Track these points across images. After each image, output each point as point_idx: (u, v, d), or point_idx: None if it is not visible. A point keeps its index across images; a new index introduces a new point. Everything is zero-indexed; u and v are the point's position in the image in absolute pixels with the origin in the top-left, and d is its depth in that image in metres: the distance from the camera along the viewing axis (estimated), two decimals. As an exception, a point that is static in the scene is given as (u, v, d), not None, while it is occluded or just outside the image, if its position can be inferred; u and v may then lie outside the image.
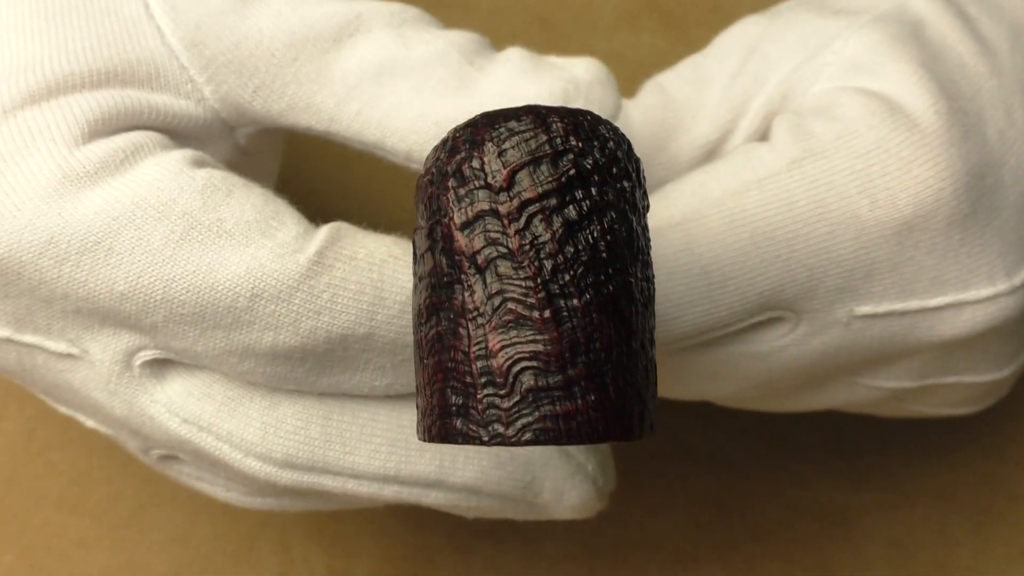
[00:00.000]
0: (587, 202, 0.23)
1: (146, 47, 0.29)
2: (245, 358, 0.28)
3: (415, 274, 0.24)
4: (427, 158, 0.24)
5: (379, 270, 0.28)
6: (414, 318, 0.24)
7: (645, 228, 0.24)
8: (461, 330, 0.23)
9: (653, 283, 0.24)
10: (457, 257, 0.23)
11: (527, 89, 0.29)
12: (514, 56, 0.29)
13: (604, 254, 0.23)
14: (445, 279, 0.23)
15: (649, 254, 0.24)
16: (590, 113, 0.23)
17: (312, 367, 0.28)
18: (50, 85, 0.27)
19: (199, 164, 0.28)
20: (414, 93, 0.29)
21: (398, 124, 0.29)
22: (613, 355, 0.23)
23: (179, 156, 0.28)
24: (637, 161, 0.24)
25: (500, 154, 0.23)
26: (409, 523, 0.38)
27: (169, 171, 0.27)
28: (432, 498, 0.30)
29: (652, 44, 0.43)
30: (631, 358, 0.23)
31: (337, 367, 0.28)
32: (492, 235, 0.23)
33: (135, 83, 0.28)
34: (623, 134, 0.24)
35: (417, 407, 0.24)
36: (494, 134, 0.23)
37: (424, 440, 0.24)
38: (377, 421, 0.29)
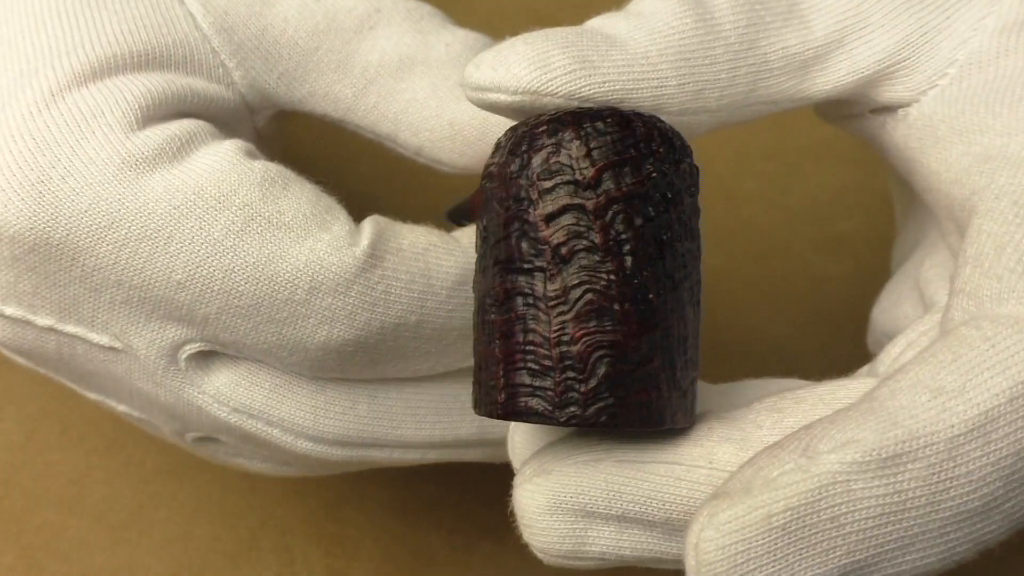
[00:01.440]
0: (663, 205, 0.24)
1: (180, 30, 0.29)
2: (295, 351, 0.28)
3: (485, 258, 0.25)
4: (500, 146, 0.25)
5: (424, 259, 0.28)
6: (484, 300, 0.25)
7: (699, 232, 0.26)
8: (542, 316, 0.24)
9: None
10: (541, 246, 0.24)
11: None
12: (482, 38, 0.30)
13: (677, 255, 0.25)
14: (525, 266, 0.24)
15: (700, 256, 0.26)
16: (662, 120, 0.25)
17: (362, 359, 0.28)
18: (95, 66, 0.27)
19: (253, 155, 0.28)
20: (431, 91, 0.30)
21: (413, 120, 0.30)
22: (681, 349, 0.25)
23: (234, 147, 0.28)
24: (698, 169, 0.26)
25: (588, 153, 0.24)
26: (409, 523, 0.38)
27: (228, 161, 0.27)
28: (472, 454, 0.31)
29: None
30: (694, 352, 0.25)
31: (386, 356, 0.28)
32: (577, 228, 0.24)
33: (173, 66, 0.29)
34: (688, 145, 0.26)
35: (479, 383, 0.25)
36: (582, 132, 0.24)
37: (486, 416, 0.24)
38: (421, 394, 0.29)
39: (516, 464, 0.27)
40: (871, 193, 0.45)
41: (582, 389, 0.24)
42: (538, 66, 0.25)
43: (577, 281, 0.24)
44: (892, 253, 0.34)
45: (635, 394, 0.24)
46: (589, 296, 0.24)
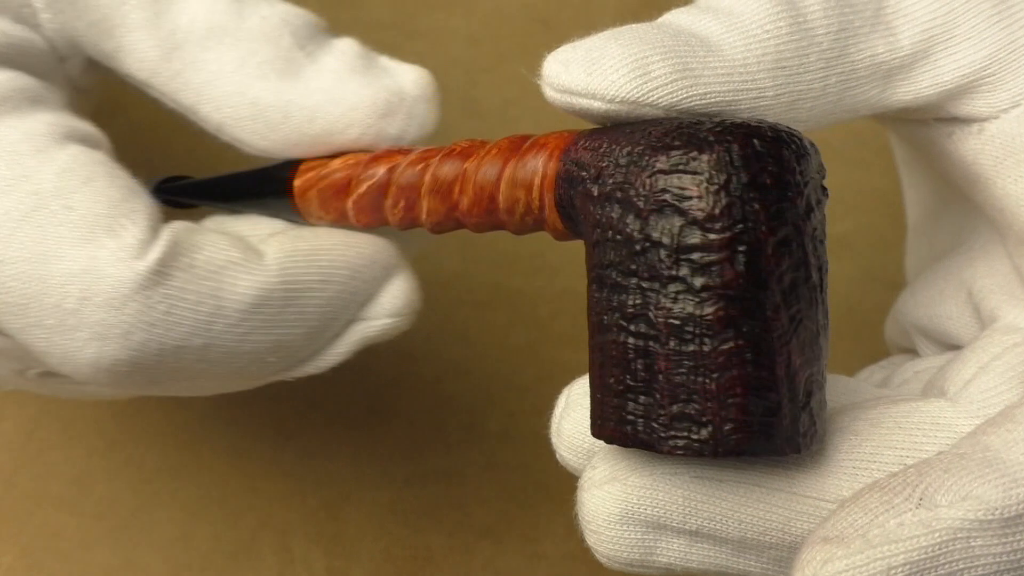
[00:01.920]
0: (815, 224, 0.23)
1: None
2: (66, 363, 0.26)
3: (689, 282, 0.23)
4: (701, 159, 0.23)
5: (217, 278, 0.26)
6: (690, 330, 0.23)
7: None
8: (770, 346, 0.23)
9: None
10: (764, 274, 0.22)
11: (352, 90, 0.28)
12: (348, 50, 0.28)
13: (820, 276, 0.24)
14: (747, 292, 0.22)
15: None
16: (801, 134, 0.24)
17: (139, 379, 0.27)
18: None
19: (69, 137, 0.27)
20: (237, 66, 0.28)
21: (215, 94, 0.28)
22: (817, 371, 0.24)
23: (48, 127, 0.26)
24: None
25: (802, 174, 0.23)
26: (409, 523, 0.38)
27: (33, 144, 0.26)
28: None
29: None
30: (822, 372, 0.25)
31: (167, 377, 0.27)
32: (797, 255, 0.23)
33: None
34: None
35: (684, 417, 0.23)
36: (798, 152, 0.23)
37: (705, 455, 0.23)
38: None
39: (563, 452, 0.26)
40: (871, 193, 0.45)
41: (804, 419, 0.23)
42: (638, 74, 0.24)
43: (795, 310, 0.23)
44: (907, 249, 0.33)
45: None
46: (805, 324, 0.23)
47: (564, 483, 0.39)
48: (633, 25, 0.25)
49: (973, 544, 0.22)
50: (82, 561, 0.38)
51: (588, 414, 0.25)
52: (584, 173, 0.24)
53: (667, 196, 0.22)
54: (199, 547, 0.38)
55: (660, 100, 0.24)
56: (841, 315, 0.42)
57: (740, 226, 0.22)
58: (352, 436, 0.39)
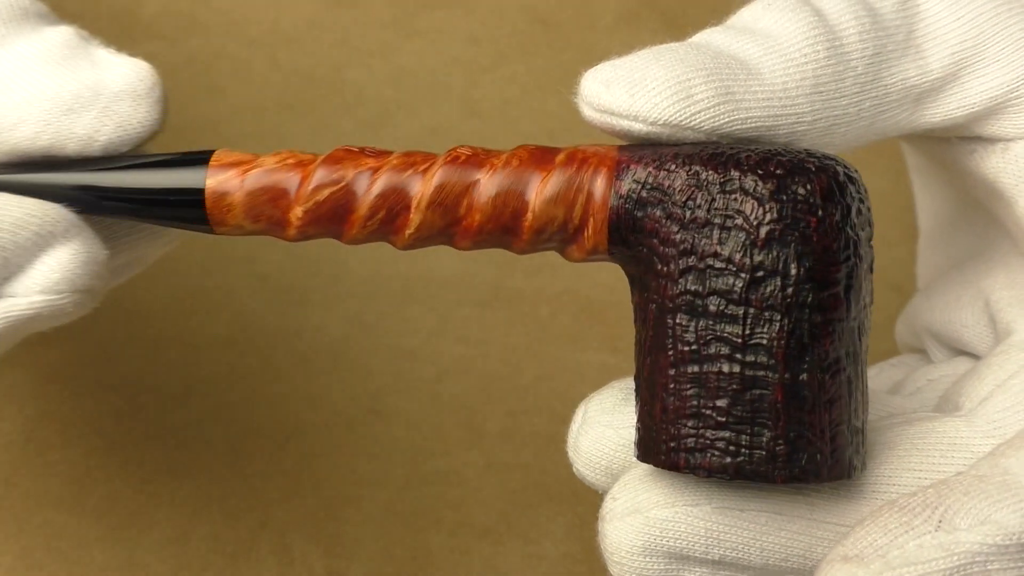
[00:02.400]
0: (866, 249, 0.25)
1: None
2: None
3: (808, 310, 0.23)
4: (813, 190, 0.23)
5: None
6: (813, 361, 0.23)
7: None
8: (862, 377, 0.24)
9: None
10: (861, 304, 0.23)
11: (30, 81, 0.25)
12: (53, 39, 0.26)
13: (864, 305, 0.25)
14: (853, 323, 0.23)
15: None
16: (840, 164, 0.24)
17: None
18: None
19: None
20: None
21: None
22: (860, 397, 0.25)
23: None
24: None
25: (864, 201, 0.24)
26: (409, 523, 0.38)
27: None
28: None
29: (652, 44, 0.43)
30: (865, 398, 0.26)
31: None
32: (867, 290, 0.24)
33: None
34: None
35: (800, 445, 0.23)
36: (860, 184, 0.24)
37: (821, 480, 0.23)
38: None
39: (581, 468, 0.26)
40: (871, 193, 0.45)
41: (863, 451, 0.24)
42: (681, 97, 0.24)
43: (864, 344, 0.24)
44: (919, 255, 0.33)
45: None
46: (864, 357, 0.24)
47: (564, 483, 0.39)
48: (672, 45, 0.25)
49: (990, 568, 0.22)
50: (82, 561, 0.38)
51: (605, 431, 0.25)
52: (662, 196, 0.23)
53: (780, 227, 0.23)
54: (198, 547, 0.38)
55: (703, 124, 0.24)
56: (841, 315, 0.42)
57: (851, 257, 0.23)
58: (352, 436, 0.39)
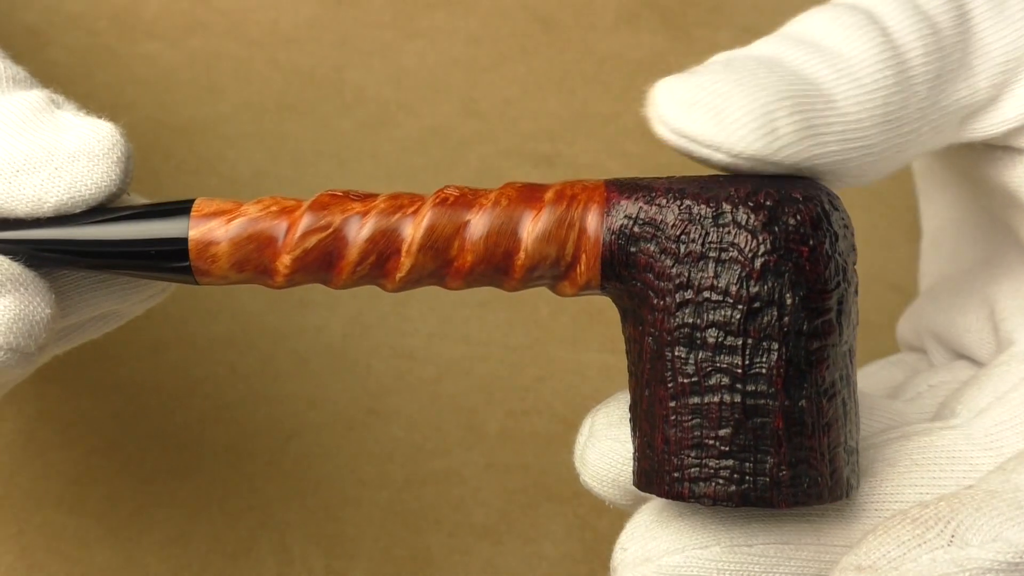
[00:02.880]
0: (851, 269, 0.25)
1: None
2: None
3: (815, 341, 0.23)
4: (802, 220, 0.23)
5: None
6: (810, 387, 0.23)
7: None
8: (854, 398, 0.24)
9: None
10: (851, 328, 0.24)
11: (4, 141, 0.25)
12: (25, 102, 0.26)
13: (852, 326, 0.25)
14: (844, 347, 0.24)
15: None
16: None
17: None
18: None
19: None
20: None
21: None
22: (853, 419, 0.25)
23: None
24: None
25: (848, 227, 0.25)
26: (409, 523, 0.38)
27: None
28: None
29: (652, 44, 0.43)
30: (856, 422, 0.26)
31: None
32: (855, 313, 0.24)
33: None
34: None
35: (801, 473, 0.24)
36: (843, 210, 0.25)
37: (824, 502, 0.24)
38: None
39: (588, 480, 0.26)
40: (871, 193, 0.45)
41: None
42: (767, 131, 0.23)
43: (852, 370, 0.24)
44: (921, 257, 0.33)
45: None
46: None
47: (564, 483, 0.39)
48: (745, 59, 0.24)
49: None
50: (82, 561, 0.38)
51: (613, 445, 0.26)
52: (654, 231, 0.24)
53: (774, 258, 0.23)
54: (198, 547, 0.38)
55: (785, 159, 0.24)
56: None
57: (841, 283, 0.23)
58: (352, 436, 0.39)
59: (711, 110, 0.23)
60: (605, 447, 0.26)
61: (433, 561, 0.37)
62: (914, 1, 0.25)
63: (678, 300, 0.23)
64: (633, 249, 0.24)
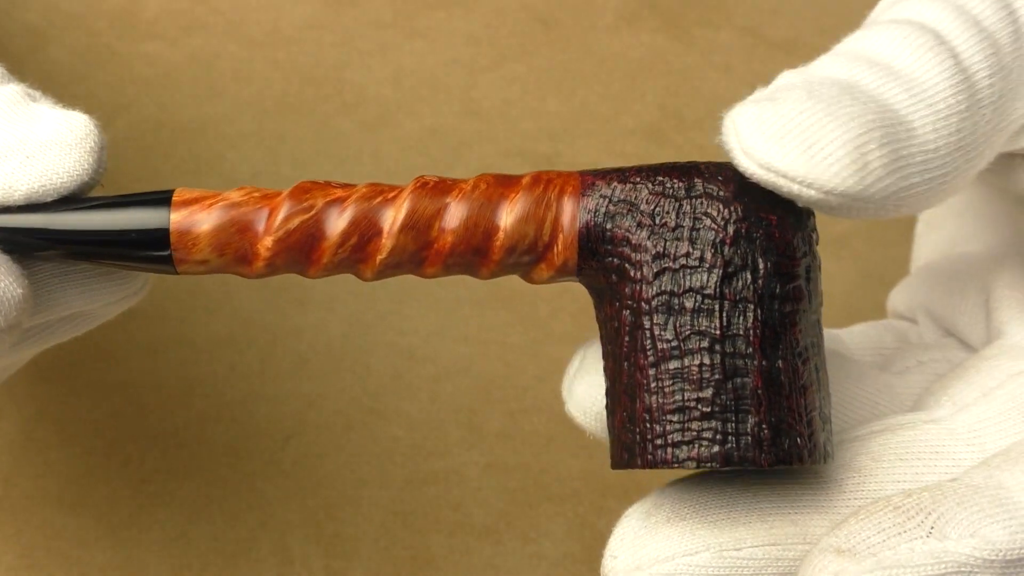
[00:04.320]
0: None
1: None
2: None
3: (787, 304, 0.24)
4: (766, 190, 0.24)
5: None
6: (786, 348, 0.24)
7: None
8: (825, 369, 0.25)
9: None
10: (818, 300, 0.25)
11: None
12: (6, 94, 0.26)
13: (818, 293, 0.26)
14: (814, 316, 0.25)
15: None
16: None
17: None
18: None
19: None
20: None
21: None
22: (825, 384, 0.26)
23: None
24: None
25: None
26: (409, 523, 0.38)
27: None
28: None
29: (652, 44, 0.43)
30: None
31: None
32: (819, 291, 0.25)
33: None
34: None
35: (782, 431, 0.24)
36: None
37: (816, 463, 0.24)
38: None
39: (573, 411, 0.27)
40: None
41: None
42: (859, 167, 0.23)
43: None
44: (916, 239, 0.34)
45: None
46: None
47: (564, 483, 0.39)
48: (825, 84, 0.23)
49: None
50: (82, 561, 0.38)
51: (601, 379, 0.26)
52: (629, 207, 0.24)
53: (746, 224, 0.24)
54: (198, 547, 0.38)
55: (876, 195, 0.23)
56: (841, 315, 0.42)
57: (807, 254, 0.24)
58: (352, 436, 0.39)
59: (804, 144, 0.22)
60: (593, 380, 0.26)
61: (433, 561, 0.37)
62: (975, 19, 0.25)
63: (656, 269, 0.24)
64: (609, 225, 0.24)
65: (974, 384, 0.27)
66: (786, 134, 0.23)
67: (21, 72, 0.28)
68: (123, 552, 0.38)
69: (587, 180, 0.25)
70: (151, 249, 0.25)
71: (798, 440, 0.24)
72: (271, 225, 0.25)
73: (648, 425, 0.24)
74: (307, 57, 0.43)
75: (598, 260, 0.25)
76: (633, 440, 0.24)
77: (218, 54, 0.43)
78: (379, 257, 0.25)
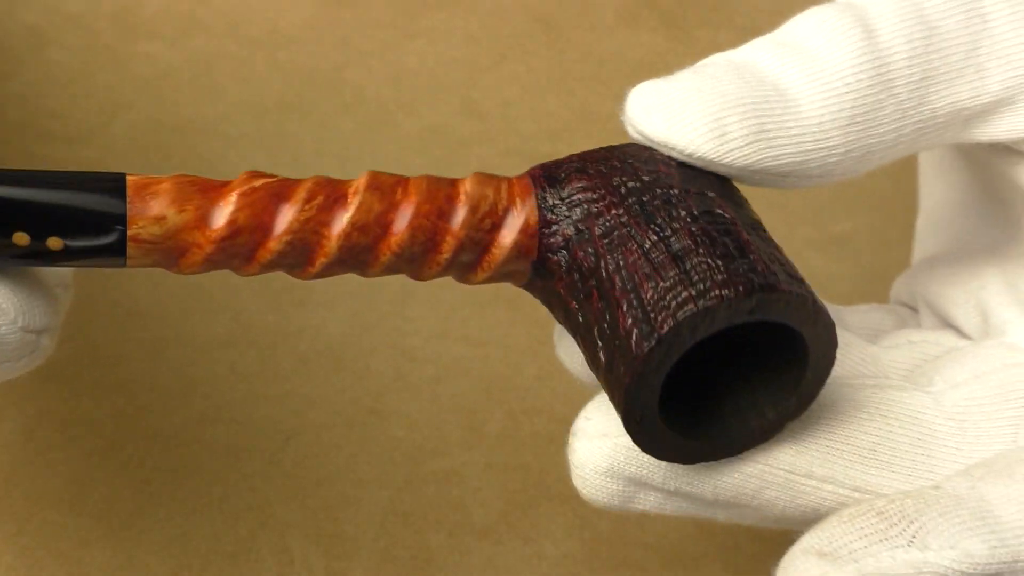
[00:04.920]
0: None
1: None
2: None
3: (734, 195, 0.26)
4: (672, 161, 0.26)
5: None
6: (747, 218, 0.25)
7: None
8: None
9: None
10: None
11: None
12: None
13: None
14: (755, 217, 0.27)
15: None
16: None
17: None
18: None
19: None
20: None
21: None
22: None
23: None
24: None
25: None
26: (409, 523, 0.38)
27: None
28: None
29: (652, 44, 0.43)
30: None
31: None
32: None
33: None
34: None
35: (764, 267, 0.24)
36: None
37: (797, 288, 0.25)
38: None
39: (563, 356, 0.28)
40: (871, 193, 0.45)
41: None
42: (716, 135, 0.25)
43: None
44: (917, 233, 0.34)
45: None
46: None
47: (564, 483, 0.39)
48: (717, 66, 0.26)
49: None
50: (82, 561, 0.38)
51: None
52: (579, 161, 0.26)
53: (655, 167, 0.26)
54: (198, 547, 0.38)
55: (735, 162, 0.25)
56: (841, 315, 0.42)
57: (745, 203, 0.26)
58: (352, 436, 0.39)
59: (667, 114, 0.25)
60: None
61: (433, 561, 0.37)
62: (914, 2, 0.25)
63: (623, 191, 0.25)
64: (563, 174, 0.26)
65: (968, 367, 0.27)
66: (656, 107, 0.25)
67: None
68: (123, 552, 0.38)
69: (535, 170, 0.26)
70: (104, 196, 0.24)
71: (792, 274, 0.24)
72: (238, 182, 0.25)
73: (656, 303, 0.24)
74: (307, 57, 0.43)
75: (560, 200, 0.26)
76: (639, 333, 0.24)
77: (218, 54, 0.43)
78: (346, 217, 0.25)
